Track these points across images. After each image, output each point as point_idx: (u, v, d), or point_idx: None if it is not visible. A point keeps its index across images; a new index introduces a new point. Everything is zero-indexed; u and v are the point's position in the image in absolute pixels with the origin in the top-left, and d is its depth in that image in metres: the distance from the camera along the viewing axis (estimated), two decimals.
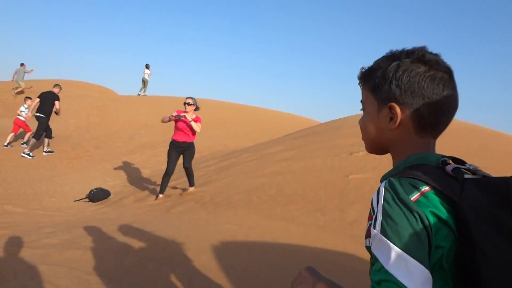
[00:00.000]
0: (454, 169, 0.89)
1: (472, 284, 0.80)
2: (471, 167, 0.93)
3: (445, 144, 8.90)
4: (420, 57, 0.97)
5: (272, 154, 9.33)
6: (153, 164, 11.14)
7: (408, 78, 0.95)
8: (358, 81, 1.09)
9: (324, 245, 4.30)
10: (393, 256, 0.79)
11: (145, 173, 10.15)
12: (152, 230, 4.31)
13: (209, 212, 5.58)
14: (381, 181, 0.98)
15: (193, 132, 6.86)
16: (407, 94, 0.95)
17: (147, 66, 20.26)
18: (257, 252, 3.86)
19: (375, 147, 1.07)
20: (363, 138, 1.10)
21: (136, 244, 3.83)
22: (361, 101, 1.09)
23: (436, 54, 0.99)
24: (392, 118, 0.98)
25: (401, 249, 0.79)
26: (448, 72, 0.97)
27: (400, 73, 0.96)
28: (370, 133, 1.05)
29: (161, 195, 6.97)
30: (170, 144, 7.00)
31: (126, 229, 4.34)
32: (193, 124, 6.70)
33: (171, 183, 7.79)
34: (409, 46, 1.01)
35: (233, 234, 4.39)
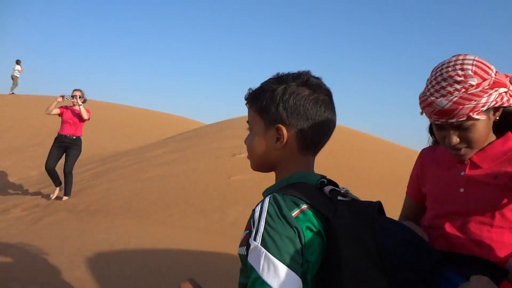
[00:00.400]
0: (330, 191, 0.97)
1: None
2: (343, 190, 1.02)
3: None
4: (305, 81, 1.03)
5: (154, 157, 9.13)
6: (20, 171, 10.12)
7: (294, 101, 1.01)
8: (245, 102, 1.12)
9: (205, 247, 4.34)
10: (272, 267, 0.82)
11: (10, 181, 9.18)
12: (16, 246, 3.92)
13: (84, 222, 5.25)
14: (264, 194, 1.03)
15: (81, 120, 6.55)
16: (293, 116, 1.01)
17: (17, 62, 18.31)
18: (136, 260, 3.74)
19: (261, 165, 1.11)
20: (249, 157, 1.12)
21: None
22: (247, 121, 1.12)
23: (318, 78, 1.07)
24: (279, 138, 1.03)
25: (280, 261, 0.83)
26: (329, 94, 1.06)
27: (287, 96, 1.01)
28: (257, 152, 1.08)
29: (57, 189, 6.71)
30: (54, 139, 6.65)
31: None
32: (81, 109, 6.41)
33: (42, 189, 7.16)
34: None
35: (111, 244, 4.20)
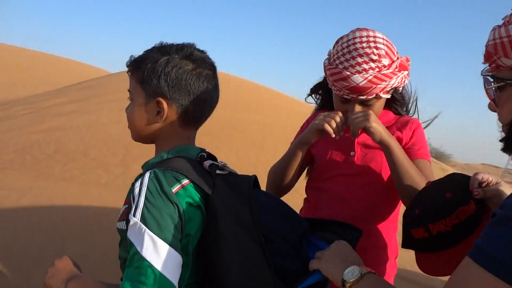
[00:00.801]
0: (210, 165, 1.01)
1: (211, 265, 0.94)
2: (221, 164, 1.07)
3: (226, 99, 9.65)
4: (189, 54, 1.03)
5: (51, 107, 8.54)
6: None
7: (176, 74, 1.00)
8: (127, 70, 1.08)
9: (106, 203, 4.28)
10: (151, 244, 0.85)
11: None
12: None
13: None
14: (143, 168, 1.04)
15: None
16: (175, 90, 1.00)
17: None
18: (28, 217, 3.60)
19: (141, 137, 1.10)
20: (129, 127, 1.10)
21: None
22: (128, 90, 1.08)
23: (203, 51, 1.07)
24: (159, 112, 1.02)
25: (160, 238, 0.86)
26: (212, 69, 1.07)
27: (169, 69, 1.00)
28: (137, 124, 1.07)
29: None
30: None
31: None
32: None
33: None
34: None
35: (2, 200, 3.97)
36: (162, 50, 1.04)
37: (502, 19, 0.81)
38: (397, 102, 1.48)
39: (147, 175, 0.94)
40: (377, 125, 1.27)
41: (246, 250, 0.91)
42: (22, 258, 2.94)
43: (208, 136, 7.26)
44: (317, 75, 1.59)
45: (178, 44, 1.05)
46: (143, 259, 0.85)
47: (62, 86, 12.76)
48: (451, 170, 10.55)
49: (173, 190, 0.92)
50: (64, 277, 1.00)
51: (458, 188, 1.12)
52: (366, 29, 1.33)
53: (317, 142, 1.45)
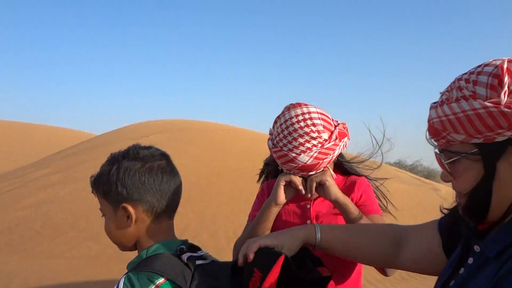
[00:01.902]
0: (188, 258, 1.02)
1: None
2: (202, 253, 1.08)
3: (212, 148, 9.71)
4: (135, 155, 1.06)
5: (37, 180, 8.49)
6: None
7: (129, 177, 1.02)
8: (92, 191, 1.12)
9: (97, 276, 4.20)
10: None
11: None
12: None
13: None
14: (128, 268, 1.05)
15: None
16: (133, 192, 1.03)
17: None
18: None
19: (125, 245, 1.11)
20: (113, 241, 1.13)
21: None
22: (100, 209, 1.12)
23: (148, 147, 1.11)
24: (128, 217, 1.04)
25: None
26: (164, 158, 1.10)
27: (121, 175, 1.02)
28: (115, 235, 1.09)
29: None
30: None
31: None
32: None
33: None
34: None
35: None
36: (111, 160, 1.08)
37: (440, 93, 0.85)
38: (342, 164, 1.54)
39: (121, 280, 0.96)
40: (332, 181, 1.33)
41: None
42: None
43: (197, 191, 7.24)
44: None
45: (123, 150, 1.10)
46: None
47: (45, 156, 12.73)
48: (444, 189, 10.61)
49: None
50: None
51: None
52: (300, 105, 1.38)
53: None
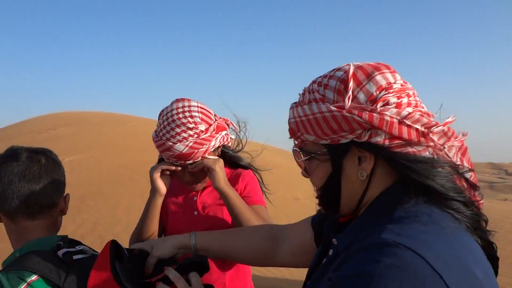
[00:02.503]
0: (64, 253, 1.05)
1: None
2: (81, 248, 1.12)
3: (125, 142, 9.45)
4: None
5: None
6: None
7: None
8: None
9: None
10: None
11: None
12: None
13: None
14: (3, 265, 1.07)
15: None
16: None
17: None
18: None
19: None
20: None
21: None
22: None
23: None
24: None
25: None
26: (18, 160, 1.12)
27: None
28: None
29: None
30: None
31: None
32: None
33: None
34: None
35: None
36: None
37: (298, 94, 0.88)
38: (228, 157, 1.64)
39: None
40: (220, 172, 1.44)
41: None
42: None
43: (110, 183, 7.10)
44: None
45: None
46: None
47: None
48: None
49: None
50: None
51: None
52: (183, 100, 1.49)
53: (163, 204, 1.57)
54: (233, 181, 1.59)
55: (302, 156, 0.88)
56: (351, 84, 0.77)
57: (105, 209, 6.28)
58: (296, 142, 0.90)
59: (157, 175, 1.49)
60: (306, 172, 0.90)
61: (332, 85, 0.79)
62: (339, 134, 0.78)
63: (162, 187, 1.51)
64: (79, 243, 1.16)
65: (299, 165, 0.91)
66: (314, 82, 0.84)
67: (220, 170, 1.46)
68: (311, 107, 0.81)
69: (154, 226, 1.56)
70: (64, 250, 1.06)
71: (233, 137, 1.62)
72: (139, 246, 1.16)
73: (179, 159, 1.44)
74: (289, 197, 8.56)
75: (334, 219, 0.92)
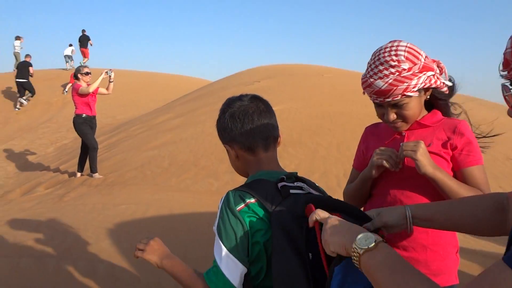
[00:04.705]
0: (282, 186, 1.19)
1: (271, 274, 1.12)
2: (300, 184, 1.25)
3: (322, 93, 9.67)
4: (225, 107, 1.31)
5: (162, 123, 9.36)
6: (37, 149, 10.49)
7: (222, 124, 1.30)
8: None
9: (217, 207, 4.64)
10: (220, 249, 1.12)
11: (29, 159, 9.56)
12: (46, 224, 4.26)
13: (103, 195, 5.59)
14: None
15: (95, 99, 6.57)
16: (226, 134, 1.30)
17: (17, 38, 18.13)
18: (156, 228, 4.07)
19: (244, 175, 1.37)
20: (238, 173, 1.40)
21: (31, 242, 3.79)
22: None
23: (239, 96, 1.33)
24: (235, 154, 1.31)
25: (223, 245, 1.12)
26: (252, 101, 1.32)
27: (219, 124, 1.32)
28: (235, 167, 1.38)
29: (97, 174, 6.61)
30: (81, 121, 6.42)
31: (17, 227, 4.23)
32: (111, 86, 6.57)
33: (60, 166, 7.51)
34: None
35: (131, 214, 4.52)
36: (218, 118, 1.33)
37: None
38: (441, 103, 1.56)
39: (224, 196, 1.19)
40: (423, 159, 1.39)
41: (291, 264, 1.06)
42: (150, 266, 3.36)
43: (308, 133, 7.39)
44: None
45: (221, 105, 1.35)
46: (215, 260, 1.13)
47: (168, 101, 13.84)
48: None
49: (237, 208, 1.14)
50: (161, 255, 1.32)
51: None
52: (395, 41, 1.48)
53: (371, 152, 1.60)
54: (446, 131, 1.52)
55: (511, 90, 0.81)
56: None
57: (303, 157, 6.58)
58: (506, 75, 0.83)
59: (375, 168, 1.54)
60: None
61: None
62: None
63: (375, 174, 1.56)
64: (303, 180, 1.29)
65: (506, 102, 0.84)
66: None
67: (423, 156, 1.40)
68: None
69: (366, 193, 1.67)
70: (283, 183, 1.20)
71: (448, 83, 1.53)
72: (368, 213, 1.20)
73: (378, 95, 1.46)
74: (499, 156, 7.47)
75: None
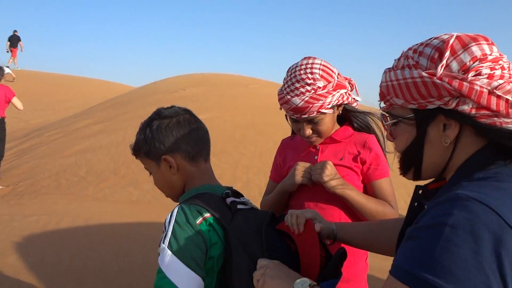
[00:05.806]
0: (231, 202, 1.18)
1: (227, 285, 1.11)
2: (244, 200, 1.25)
3: (247, 103, 9.77)
4: (161, 115, 1.24)
5: (80, 129, 8.93)
6: None
7: (162, 133, 1.21)
8: (134, 156, 1.29)
9: (138, 218, 4.52)
10: (175, 267, 1.04)
11: None
12: None
13: (12, 205, 5.19)
14: (180, 201, 1.23)
15: (7, 100, 6.11)
16: (169, 143, 1.21)
17: None
18: (69, 241, 3.86)
19: (175, 194, 1.29)
20: (166, 195, 1.31)
21: None
22: (146, 168, 1.30)
23: (171, 107, 1.28)
24: (171, 166, 1.22)
25: (181, 261, 1.04)
26: (187, 112, 1.28)
27: (155, 133, 1.21)
28: (166, 186, 1.28)
29: None
30: None
31: None
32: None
33: None
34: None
35: (43, 225, 4.24)
36: (142, 128, 1.25)
37: (394, 60, 0.94)
38: (352, 118, 1.67)
39: (175, 209, 1.13)
40: (330, 180, 1.48)
41: (252, 280, 1.04)
42: (65, 278, 3.18)
43: (232, 143, 7.45)
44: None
45: (149, 116, 1.27)
46: (166, 277, 1.04)
47: (89, 107, 13.23)
48: None
49: (197, 222, 1.10)
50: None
51: None
52: (310, 57, 1.56)
53: (287, 164, 1.69)
54: (358, 145, 1.61)
55: (389, 120, 0.92)
56: (447, 53, 0.79)
57: (226, 166, 6.62)
58: (384, 105, 0.94)
59: (299, 180, 1.57)
60: (391, 136, 0.94)
61: (427, 52, 0.83)
62: (427, 100, 0.82)
63: (294, 188, 1.60)
64: (242, 196, 1.29)
65: (385, 128, 0.96)
66: (410, 49, 0.88)
67: (329, 177, 1.49)
68: (404, 72, 0.85)
69: (284, 205, 1.70)
70: (232, 199, 1.20)
71: (358, 98, 1.64)
72: (306, 215, 1.23)
73: (295, 112, 1.52)
74: None
75: (425, 187, 0.96)
